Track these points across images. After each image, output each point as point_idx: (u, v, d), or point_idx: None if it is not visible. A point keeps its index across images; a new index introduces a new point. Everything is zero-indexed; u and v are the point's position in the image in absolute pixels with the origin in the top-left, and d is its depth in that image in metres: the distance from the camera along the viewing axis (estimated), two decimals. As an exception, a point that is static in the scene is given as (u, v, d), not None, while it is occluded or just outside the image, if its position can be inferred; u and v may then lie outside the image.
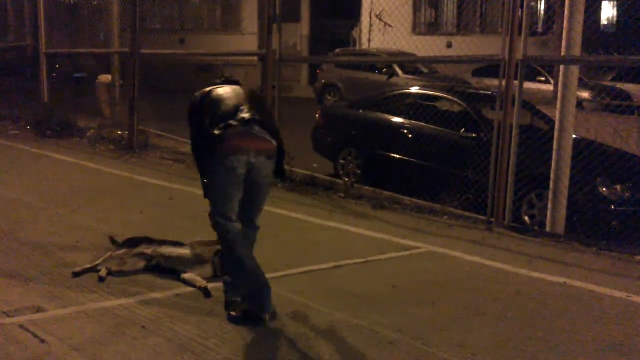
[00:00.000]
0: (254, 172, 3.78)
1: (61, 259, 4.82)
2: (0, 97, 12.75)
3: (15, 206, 6.38)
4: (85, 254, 4.82)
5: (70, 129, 10.76)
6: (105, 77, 11.49)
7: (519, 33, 5.89)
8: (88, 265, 4.56)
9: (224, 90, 3.90)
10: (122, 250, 4.62)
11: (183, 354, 3.48)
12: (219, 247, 4.55)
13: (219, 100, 3.83)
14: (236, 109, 3.78)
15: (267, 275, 4.51)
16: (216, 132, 3.70)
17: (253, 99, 3.94)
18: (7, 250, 5.04)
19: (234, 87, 3.95)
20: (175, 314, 3.96)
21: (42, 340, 3.53)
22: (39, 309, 3.93)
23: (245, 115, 3.75)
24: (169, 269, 4.54)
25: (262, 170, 3.81)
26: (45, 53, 11.59)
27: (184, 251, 4.60)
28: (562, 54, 5.97)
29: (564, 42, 5.91)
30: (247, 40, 18.51)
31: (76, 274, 4.48)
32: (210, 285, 4.35)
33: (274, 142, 3.81)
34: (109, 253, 4.64)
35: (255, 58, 17.44)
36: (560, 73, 6.01)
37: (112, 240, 4.90)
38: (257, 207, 4.00)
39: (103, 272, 4.46)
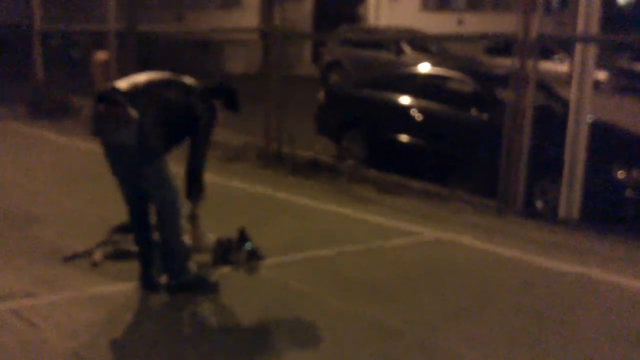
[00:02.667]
0: (108, 136, 3.80)
1: (55, 243, 4.74)
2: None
3: (7, 188, 6.30)
4: (79, 239, 4.72)
5: (64, 108, 10.69)
6: (101, 55, 11.30)
7: (534, 10, 5.74)
8: (80, 250, 4.47)
9: (153, 72, 3.99)
10: (116, 236, 4.50)
11: (180, 341, 3.45)
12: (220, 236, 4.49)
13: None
14: (124, 81, 3.87)
15: (268, 261, 4.55)
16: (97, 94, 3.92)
17: (141, 86, 3.83)
18: (-1, 233, 4.96)
19: (169, 76, 3.98)
20: (171, 300, 3.91)
21: (35, 326, 3.47)
22: (32, 295, 3.87)
23: (119, 84, 3.83)
24: None
25: (117, 134, 3.73)
26: (38, 30, 11.41)
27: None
28: (579, 32, 5.81)
29: (580, 20, 5.77)
30: (248, 16, 18.17)
31: (67, 259, 4.40)
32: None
33: (132, 112, 3.66)
34: (102, 238, 4.53)
35: (257, 35, 17.33)
36: (577, 52, 5.87)
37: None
38: (140, 179, 3.83)
39: (97, 257, 4.36)
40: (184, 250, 3.99)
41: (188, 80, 3.99)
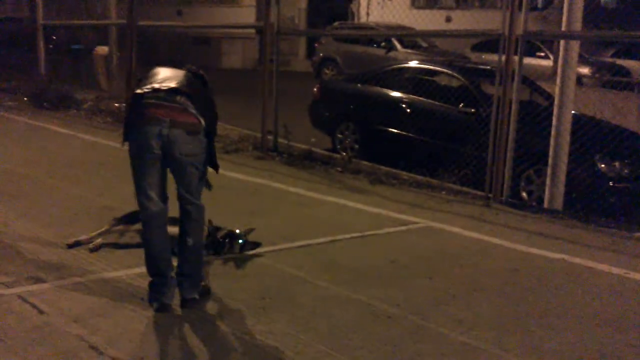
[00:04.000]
0: (170, 147, 3.41)
1: (60, 231, 4.79)
2: (-3, 69, 12.65)
3: (13, 178, 6.34)
4: (84, 227, 4.79)
5: (67, 101, 10.68)
6: (103, 49, 11.38)
7: (520, 8, 5.85)
8: (84, 237, 4.54)
9: (165, 67, 3.68)
10: (120, 226, 4.57)
11: (181, 326, 3.50)
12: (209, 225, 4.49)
13: (155, 71, 3.64)
14: (166, 79, 3.52)
15: (265, 249, 4.58)
16: (138, 90, 3.49)
17: (191, 81, 3.58)
18: (6, 222, 5.01)
19: (179, 69, 3.67)
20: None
21: (41, 312, 3.53)
22: (37, 280, 3.92)
23: (172, 84, 3.45)
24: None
25: (180, 146, 3.42)
26: (42, 25, 11.45)
27: None
28: (563, 29, 5.93)
29: (564, 18, 5.87)
30: (245, 12, 18.32)
31: (71, 246, 4.47)
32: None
33: (201, 119, 3.45)
34: (105, 227, 4.60)
35: (253, 31, 17.47)
36: (561, 48, 5.97)
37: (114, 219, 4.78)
38: (185, 186, 3.57)
39: (96, 244, 4.44)
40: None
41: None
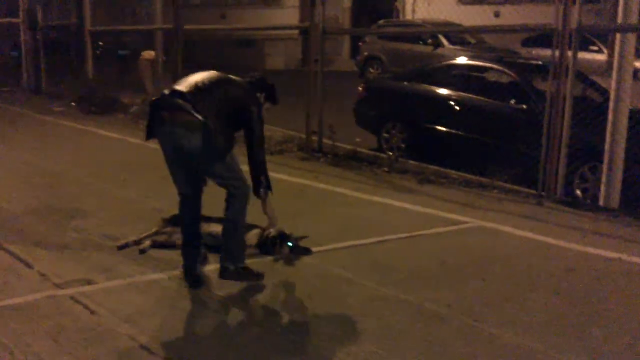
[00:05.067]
0: (179, 141, 3.78)
1: (109, 232, 4.88)
2: (46, 75, 12.99)
3: (62, 181, 6.50)
4: (132, 228, 4.86)
5: (114, 105, 10.91)
6: (149, 54, 11.57)
7: (573, 1, 5.71)
8: (133, 239, 4.60)
9: (202, 72, 3.98)
10: (169, 228, 4.61)
11: (229, 326, 3.53)
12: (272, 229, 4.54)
13: (185, 76, 4.00)
14: (181, 83, 3.88)
15: (314, 249, 4.57)
16: (153, 98, 3.93)
17: (211, 85, 3.86)
18: (57, 224, 5.13)
19: (210, 72, 3.97)
20: (222, 286, 3.97)
21: (93, 312, 3.61)
22: (89, 282, 4.02)
23: (180, 87, 3.81)
24: (216, 248, 4.36)
25: (186, 139, 3.75)
26: (89, 31, 11.73)
27: None
28: (619, 21, 5.76)
29: (620, 10, 5.73)
30: (287, 13, 18.42)
31: (121, 248, 4.54)
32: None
33: (198, 116, 3.69)
34: (155, 229, 4.66)
35: (296, 32, 17.54)
36: (617, 42, 5.82)
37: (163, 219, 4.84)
38: (211, 176, 3.96)
39: (145, 245, 4.50)
40: (244, 238, 4.08)
41: (235, 77, 4.05)
